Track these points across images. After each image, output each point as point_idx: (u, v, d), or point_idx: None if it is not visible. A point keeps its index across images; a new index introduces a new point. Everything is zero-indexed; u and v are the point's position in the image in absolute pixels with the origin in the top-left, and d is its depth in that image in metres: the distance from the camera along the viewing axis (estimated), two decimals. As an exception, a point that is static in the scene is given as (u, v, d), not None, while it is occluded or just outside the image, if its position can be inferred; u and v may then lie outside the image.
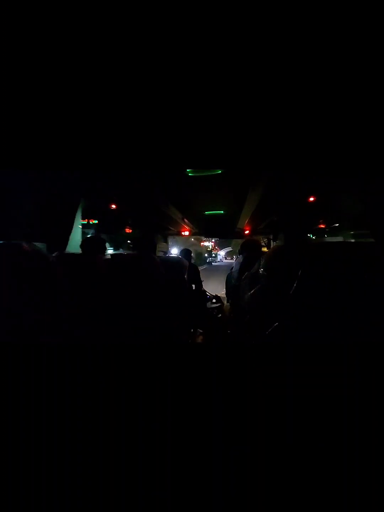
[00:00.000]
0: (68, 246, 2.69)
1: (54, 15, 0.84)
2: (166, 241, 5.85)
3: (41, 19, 0.85)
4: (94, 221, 4.62)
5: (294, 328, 0.94)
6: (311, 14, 0.81)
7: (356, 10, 0.80)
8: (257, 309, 1.11)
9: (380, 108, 0.94)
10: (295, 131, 0.98)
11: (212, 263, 25.61)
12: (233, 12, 0.82)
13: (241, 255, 2.34)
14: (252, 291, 1.15)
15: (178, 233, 5.80)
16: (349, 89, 0.94)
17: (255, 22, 0.84)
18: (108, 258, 1.60)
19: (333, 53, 0.88)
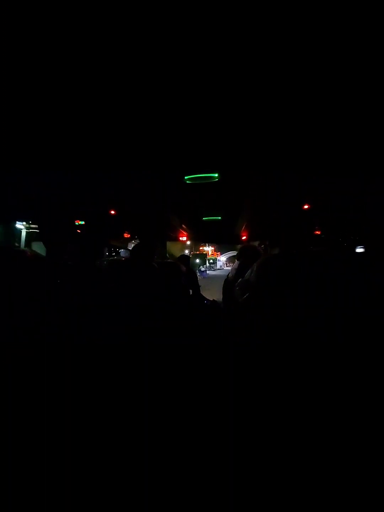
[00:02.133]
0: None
1: (55, 19, 0.83)
2: (164, 246, 5.84)
3: (43, 23, 0.84)
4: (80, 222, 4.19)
5: (289, 330, 0.95)
6: (308, 19, 0.80)
7: (355, 12, 0.77)
8: (245, 315, 1.12)
9: (380, 109, 0.95)
10: (294, 133, 1.00)
11: (207, 272, 18.16)
12: (231, 19, 0.82)
13: (237, 261, 2.38)
14: (242, 298, 1.17)
15: (176, 239, 5.82)
16: (348, 91, 0.94)
17: (253, 30, 0.84)
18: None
19: (332, 56, 0.88)
